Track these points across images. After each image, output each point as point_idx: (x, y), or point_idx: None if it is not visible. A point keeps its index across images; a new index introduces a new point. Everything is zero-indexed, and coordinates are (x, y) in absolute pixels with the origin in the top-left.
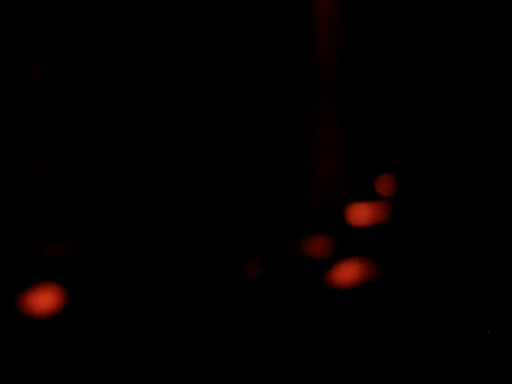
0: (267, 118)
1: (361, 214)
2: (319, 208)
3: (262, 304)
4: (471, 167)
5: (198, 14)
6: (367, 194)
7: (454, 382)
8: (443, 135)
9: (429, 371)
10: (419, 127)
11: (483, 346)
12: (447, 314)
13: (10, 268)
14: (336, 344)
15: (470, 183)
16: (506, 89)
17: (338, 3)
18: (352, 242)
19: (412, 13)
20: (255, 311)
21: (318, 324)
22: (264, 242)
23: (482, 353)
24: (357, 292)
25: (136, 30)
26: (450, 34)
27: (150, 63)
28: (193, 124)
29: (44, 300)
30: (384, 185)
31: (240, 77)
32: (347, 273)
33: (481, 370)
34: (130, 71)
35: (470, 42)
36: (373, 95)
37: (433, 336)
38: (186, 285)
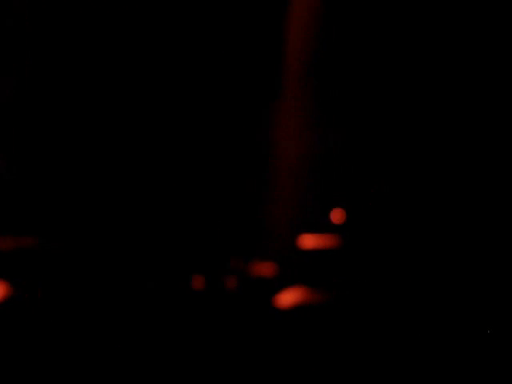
0: (226, 138)
1: (311, 241)
2: (270, 233)
3: (201, 320)
4: (420, 201)
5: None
6: (319, 224)
7: None
8: (395, 172)
9: None
10: (374, 162)
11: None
12: (389, 338)
13: None
14: (273, 363)
15: (419, 216)
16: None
17: (312, 11)
18: (299, 268)
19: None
20: (191, 325)
21: (256, 342)
22: (211, 261)
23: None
24: (298, 315)
25: (109, 31)
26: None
27: (119, 67)
28: (139, 135)
29: None
30: (336, 216)
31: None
32: (290, 296)
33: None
34: (95, 73)
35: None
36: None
37: (372, 358)
38: (132, 291)
